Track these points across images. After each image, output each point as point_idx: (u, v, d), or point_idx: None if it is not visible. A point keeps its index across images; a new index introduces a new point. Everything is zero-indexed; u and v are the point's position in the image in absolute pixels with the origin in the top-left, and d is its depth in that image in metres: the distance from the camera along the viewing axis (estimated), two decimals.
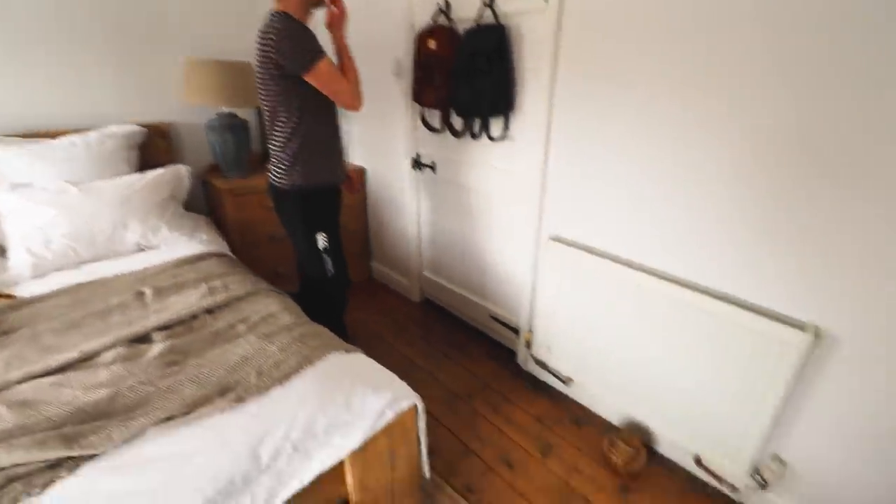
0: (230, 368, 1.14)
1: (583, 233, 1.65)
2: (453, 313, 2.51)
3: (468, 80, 1.69)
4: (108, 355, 1.18)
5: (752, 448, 1.32)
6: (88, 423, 0.97)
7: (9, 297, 1.48)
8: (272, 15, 1.39)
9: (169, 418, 1.00)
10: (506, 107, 1.72)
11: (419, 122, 2.16)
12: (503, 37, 1.62)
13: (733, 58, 1.15)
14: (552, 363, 1.89)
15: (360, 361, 1.24)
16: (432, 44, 1.81)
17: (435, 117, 2.08)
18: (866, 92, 0.98)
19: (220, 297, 1.46)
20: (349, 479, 1.10)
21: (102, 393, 1.04)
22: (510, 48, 1.64)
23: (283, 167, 1.58)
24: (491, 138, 1.85)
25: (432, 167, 2.22)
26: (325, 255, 1.71)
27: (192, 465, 0.91)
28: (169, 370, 1.14)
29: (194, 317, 1.40)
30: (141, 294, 1.48)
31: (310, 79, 1.42)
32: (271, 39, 1.36)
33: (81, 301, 1.44)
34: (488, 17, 1.66)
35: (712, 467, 1.49)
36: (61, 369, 1.13)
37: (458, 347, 2.26)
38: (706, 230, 1.32)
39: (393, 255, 2.74)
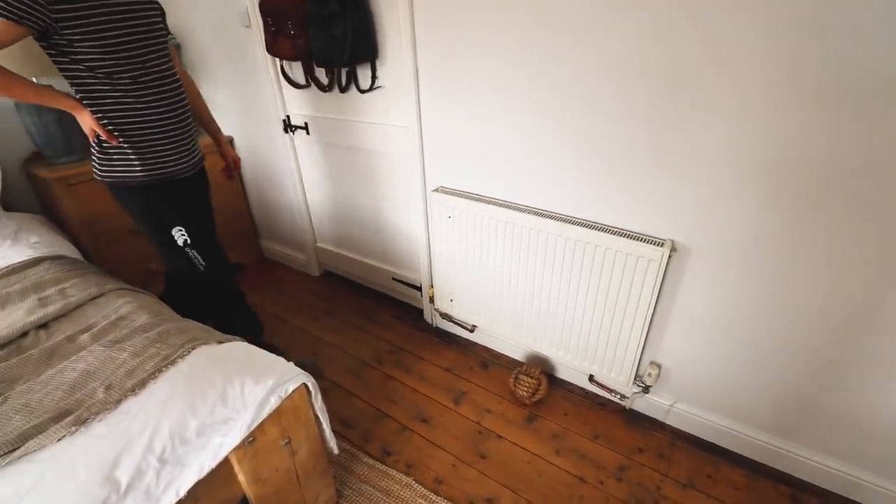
0: (70, 388, 0.96)
1: (465, 180, 1.63)
2: (356, 282, 2.43)
3: (323, 25, 1.52)
4: None
5: (632, 358, 1.45)
6: None
7: None
8: None
9: None
10: (369, 53, 1.59)
11: (283, 79, 1.94)
12: None
13: None
14: (456, 314, 1.91)
15: (237, 351, 1.12)
16: None
17: (298, 71, 1.88)
18: (701, 27, 1.02)
19: (53, 308, 1.22)
20: (240, 476, 1.01)
21: None
22: None
23: (95, 155, 1.31)
24: (361, 90, 1.72)
25: (305, 128, 2.04)
26: (188, 251, 1.47)
27: None
28: None
29: (24, 335, 1.17)
30: None
31: None
32: None
33: None
34: None
35: (603, 382, 1.62)
36: None
37: (365, 315, 2.19)
38: (575, 166, 1.35)
39: (282, 229, 2.54)
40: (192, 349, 1.07)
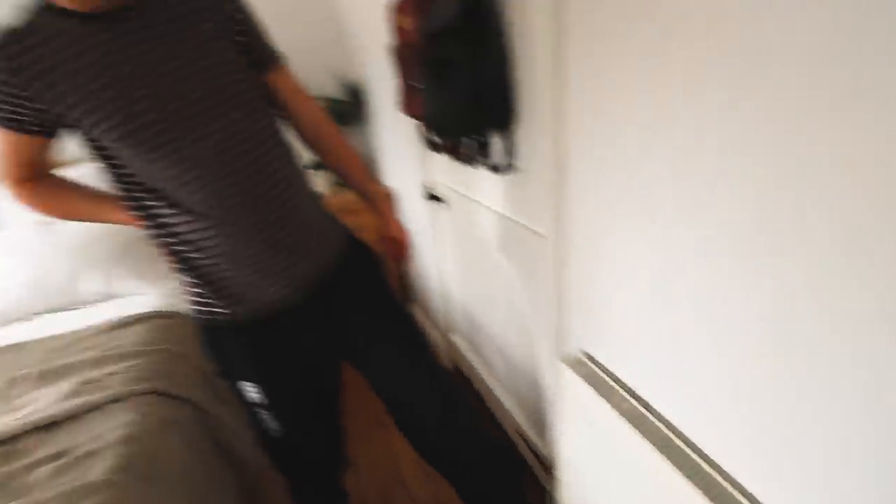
0: None
1: (632, 362, 0.82)
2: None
3: (435, 75, 0.99)
4: None
5: None
6: None
7: None
8: None
9: None
10: (500, 118, 0.97)
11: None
12: None
13: None
14: None
15: None
16: (405, 21, 1.15)
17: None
18: None
19: (70, 405, 1.07)
20: None
21: None
22: (494, 15, 0.88)
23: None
24: (492, 168, 1.11)
25: (447, 202, 1.56)
26: (257, 410, 0.93)
27: None
28: None
29: (34, 430, 1.04)
30: (13, 381, 1.19)
31: None
32: None
33: None
34: None
35: None
36: None
37: None
38: None
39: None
40: None
